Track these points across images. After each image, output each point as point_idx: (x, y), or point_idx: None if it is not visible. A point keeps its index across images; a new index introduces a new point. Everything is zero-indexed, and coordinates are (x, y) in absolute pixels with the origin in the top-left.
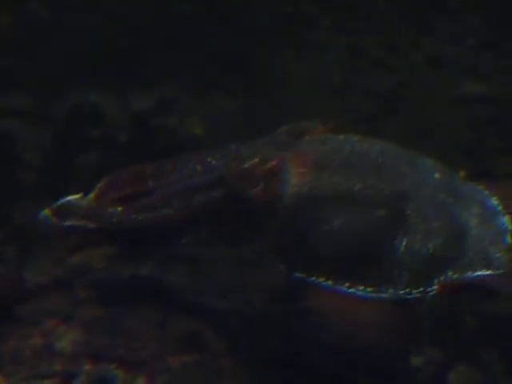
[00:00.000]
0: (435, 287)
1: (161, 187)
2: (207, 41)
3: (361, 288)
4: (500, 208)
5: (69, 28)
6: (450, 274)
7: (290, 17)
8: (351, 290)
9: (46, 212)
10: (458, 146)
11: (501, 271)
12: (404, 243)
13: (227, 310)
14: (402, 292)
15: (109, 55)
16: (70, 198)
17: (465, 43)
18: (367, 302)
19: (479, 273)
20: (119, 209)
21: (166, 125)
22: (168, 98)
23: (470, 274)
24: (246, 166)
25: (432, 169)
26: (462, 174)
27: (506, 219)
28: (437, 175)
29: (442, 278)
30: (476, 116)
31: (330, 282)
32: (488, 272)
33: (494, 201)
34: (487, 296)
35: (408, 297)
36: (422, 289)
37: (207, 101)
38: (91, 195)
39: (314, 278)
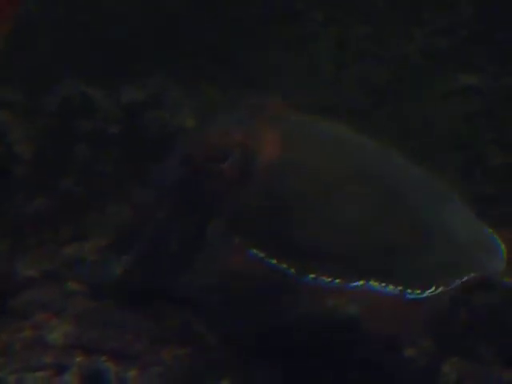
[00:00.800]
0: (435, 289)
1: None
2: (198, 33)
3: (327, 280)
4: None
5: (58, 20)
6: (433, 275)
7: (279, 8)
8: (316, 281)
9: None
10: (451, 138)
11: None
12: (377, 237)
13: (217, 301)
14: (375, 284)
15: (99, 47)
16: None
17: (457, 35)
18: None
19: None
20: None
21: (158, 117)
22: (159, 90)
23: (459, 278)
24: (212, 139)
25: (401, 159)
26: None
27: (481, 221)
28: (406, 165)
29: (424, 281)
30: (469, 108)
31: (292, 270)
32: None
33: (461, 200)
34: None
35: (383, 291)
36: (400, 288)
37: (198, 93)
38: None
39: (273, 261)
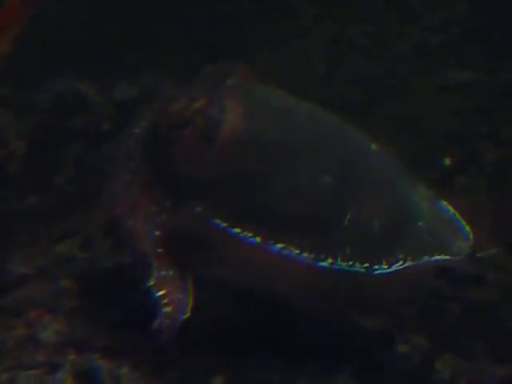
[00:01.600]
0: (384, 266)
1: None
2: (193, 28)
3: (296, 252)
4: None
5: (51, 16)
6: (401, 256)
7: (274, 4)
8: (284, 252)
9: None
10: (445, 134)
11: (459, 258)
12: (348, 216)
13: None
14: (344, 264)
15: (92, 43)
16: None
17: (451, 31)
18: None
19: (436, 258)
20: None
21: None
22: (152, 85)
23: (426, 259)
24: (174, 106)
25: (367, 140)
26: (447, 161)
27: (445, 203)
28: (373, 146)
29: (391, 259)
30: (463, 104)
31: (258, 239)
32: (447, 258)
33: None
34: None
35: (350, 269)
36: (367, 265)
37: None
38: None
39: (237, 231)
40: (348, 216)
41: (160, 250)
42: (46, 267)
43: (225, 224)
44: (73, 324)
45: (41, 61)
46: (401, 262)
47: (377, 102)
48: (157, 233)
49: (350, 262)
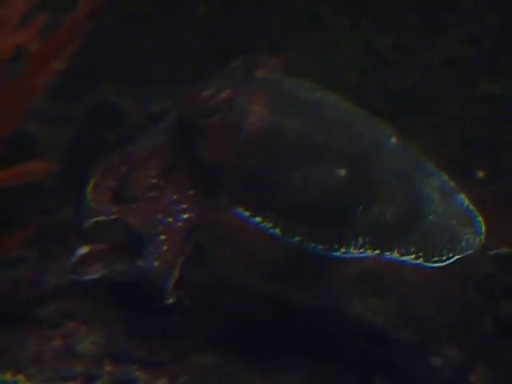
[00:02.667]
0: (396, 253)
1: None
2: (225, 42)
3: (312, 244)
4: (453, 184)
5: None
6: (411, 248)
7: (303, 16)
8: (301, 245)
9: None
10: (472, 145)
11: (468, 252)
12: (362, 208)
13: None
14: (355, 252)
15: (128, 56)
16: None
17: (480, 43)
18: None
19: (444, 252)
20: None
21: None
22: None
23: (435, 252)
24: (201, 96)
25: (388, 133)
26: (481, 174)
27: (462, 197)
28: (393, 140)
29: (402, 249)
30: (491, 116)
31: (277, 231)
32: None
33: (446, 176)
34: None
35: (362, 256)
36: (378, 251)
37: None
38: None
39: (259, 220)
40: (361, 208)
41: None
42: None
43: (247, 213)
44: (109, 335)
45: (77, 73)
46: (413, 256)
47: (405, 113)
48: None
49: (362, 250)
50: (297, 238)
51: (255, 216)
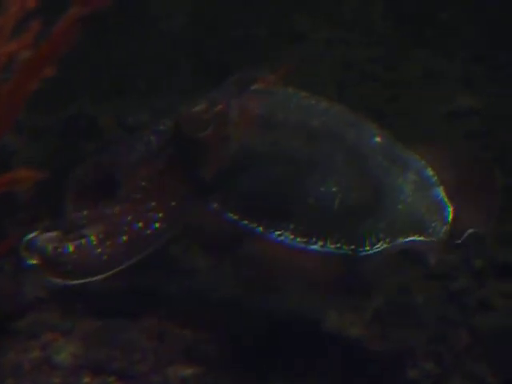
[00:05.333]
0: (367, 249)
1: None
2: (204, 52)
3: (290, 237)
4: (435, 178)
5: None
6: (381, 236)
7: (284, 30)
8: (281, 238)
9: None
10: None
11: (435, 239)
12: (338, 201)
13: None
14: (332, 246)
15: (104, 67)
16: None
17: (457, 56)
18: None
19: (411, 238)
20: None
21: None
22: (164, 109)
23: (402, 239)
24: (195, 110)
25: (373, 133)
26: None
27: (440, 190)
28: (377, 139)
29: (373, 239)
30: (468, 129)
31: (260, 229)
32: (421, 238)
33: (430, 171)
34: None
35: (338, 252)
36: (353, 247)
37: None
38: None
39: (245, 222)
40: (336, 201)
41: None
42: (60, 290)
43: (236, 217)
44: (88, 347)
45: (54, 85)
46: (380, 243)
47: (386, 126)
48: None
49: (338, 245)
50: (277, 233)
51: (242, 219)
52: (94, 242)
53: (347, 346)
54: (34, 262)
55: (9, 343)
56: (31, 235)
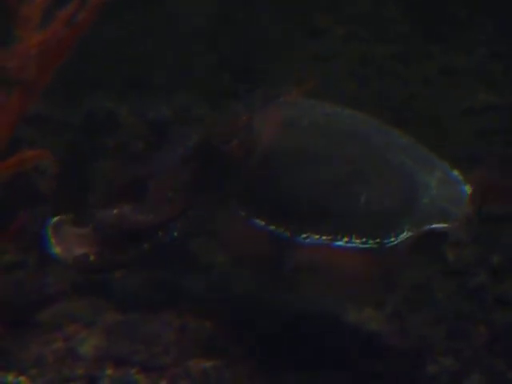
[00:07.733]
0: (393, 239)
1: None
2: (220, 51)
3: (316, 237)
4: (461, 177)
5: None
6: (407, 227)
7: (301, 27)
8: (307, 240)
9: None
10: (469, 156)
11: (456, 223)
12: (363, 199)
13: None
14: (357, 241)
15: (125, 63)
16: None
17: (477, 53)
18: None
19: (435, 226)
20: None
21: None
22: (183, 106)
23: (426, 227)
24: (221, 122)
25: (399, 136)
26: None
27: (466, 187)
28: (403, 141)
29: (398, 232)
30: (488, 126)
31: (287, 233)
32: (443, 225)
33: (456, 171)
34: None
35: (363, 246)
36: (378, 240)
37: (222, 109)
38: None
39: (273, 227)
40: (363, 200)
41: None
42: (83, 283)
43: (263, 222)
44: (110, 339)
45: (73, 79)
46: (405, 233)
47: (402, 123)
48: None
49: (364, 239)
50: (303, 236)
51: (270, 224)
52: None
53: (366, 341)
54: (57, 250)
55: (32, 335)
56: (56, 219)
